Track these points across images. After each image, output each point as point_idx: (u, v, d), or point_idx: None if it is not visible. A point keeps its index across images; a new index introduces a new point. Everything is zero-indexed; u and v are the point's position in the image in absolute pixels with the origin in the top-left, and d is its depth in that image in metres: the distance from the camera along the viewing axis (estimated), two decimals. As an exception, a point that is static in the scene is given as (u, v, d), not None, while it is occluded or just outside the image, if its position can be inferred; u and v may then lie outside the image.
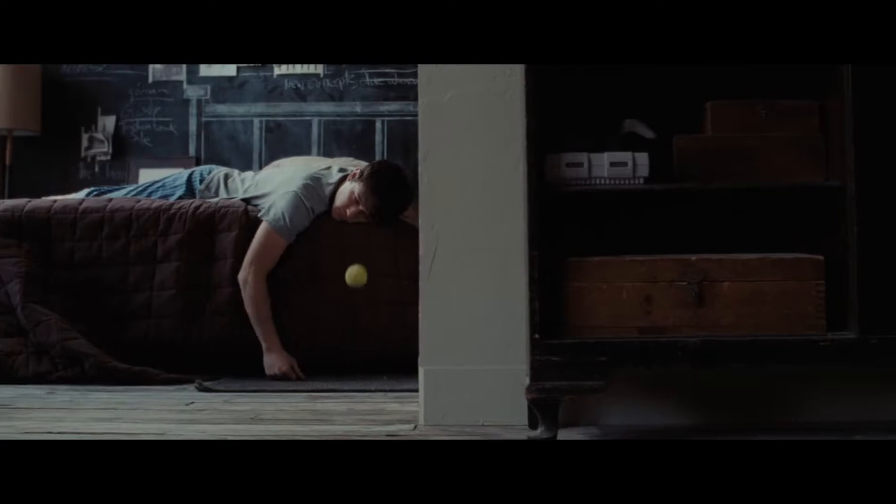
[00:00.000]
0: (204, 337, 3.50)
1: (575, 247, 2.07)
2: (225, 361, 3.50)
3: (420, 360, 2.37)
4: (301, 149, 5.55)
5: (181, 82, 5.67)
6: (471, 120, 2.36)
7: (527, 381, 2.00)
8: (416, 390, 3.02)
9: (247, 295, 3.44)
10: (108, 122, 5.66)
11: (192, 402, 2.80)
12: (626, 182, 2.07)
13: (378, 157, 5.15)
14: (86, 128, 5.65)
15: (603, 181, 2.06)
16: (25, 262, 3.51)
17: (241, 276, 3.46)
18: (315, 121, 5.63)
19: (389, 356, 3.44)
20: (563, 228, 2.10)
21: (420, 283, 2.37)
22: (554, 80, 2.05)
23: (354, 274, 3.20)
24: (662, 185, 2.09)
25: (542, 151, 2.02)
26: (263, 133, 5.61)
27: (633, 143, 2.17)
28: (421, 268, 2.37)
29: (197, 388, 3.11)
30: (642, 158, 2.07)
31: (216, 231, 3.57)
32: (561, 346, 1.98)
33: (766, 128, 2.13)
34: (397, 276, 3.55)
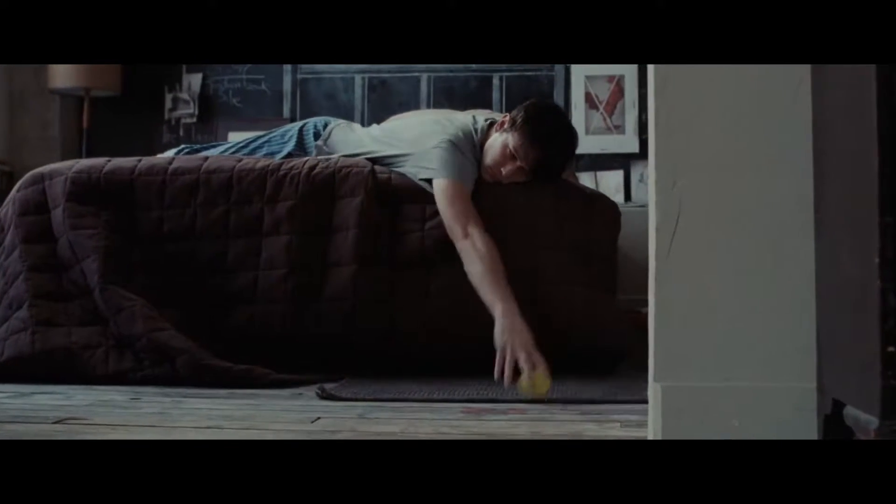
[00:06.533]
0: (320, 326, 2.84)
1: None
2: (345, 356, 2.85)
3: (653, 372, 1.67)
4: (408, 108, 5.00)
5: (274, 35, 5.10)
6: (730, 30, 1.65)
7: (874, 420, 1.28)
8: (603, 402, 2.35)
9: (478, 252, 2.70)
10: (194, 81, 5.21)
11: (319, 418, 2.14)
12: None
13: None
14: (169, 87, 5.19)
15: (983, 109, 1.33)
16: (104, 234, 2.87)
17: (459, 243, 2.75)
18: (424, 77, 5.12)
19: (551, 352, 2.75)
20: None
21: (654, 267, 1.66)
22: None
23: (534, 385, 2.41)
24: None
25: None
26: (366, 91, 5.11)
27: None
28: (656, 244, 1.66)
29: (318, 394, 2.45)
30: None
31: (336, 196, 2.89)
32: (928, 365, 1.26)
33: None
34: (558, 249, 2.86)
